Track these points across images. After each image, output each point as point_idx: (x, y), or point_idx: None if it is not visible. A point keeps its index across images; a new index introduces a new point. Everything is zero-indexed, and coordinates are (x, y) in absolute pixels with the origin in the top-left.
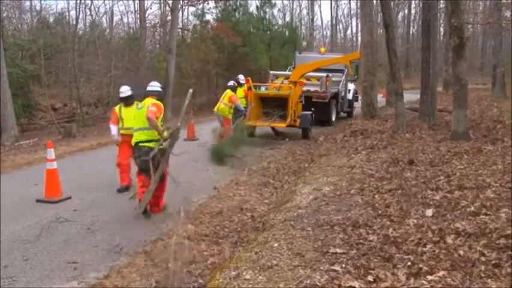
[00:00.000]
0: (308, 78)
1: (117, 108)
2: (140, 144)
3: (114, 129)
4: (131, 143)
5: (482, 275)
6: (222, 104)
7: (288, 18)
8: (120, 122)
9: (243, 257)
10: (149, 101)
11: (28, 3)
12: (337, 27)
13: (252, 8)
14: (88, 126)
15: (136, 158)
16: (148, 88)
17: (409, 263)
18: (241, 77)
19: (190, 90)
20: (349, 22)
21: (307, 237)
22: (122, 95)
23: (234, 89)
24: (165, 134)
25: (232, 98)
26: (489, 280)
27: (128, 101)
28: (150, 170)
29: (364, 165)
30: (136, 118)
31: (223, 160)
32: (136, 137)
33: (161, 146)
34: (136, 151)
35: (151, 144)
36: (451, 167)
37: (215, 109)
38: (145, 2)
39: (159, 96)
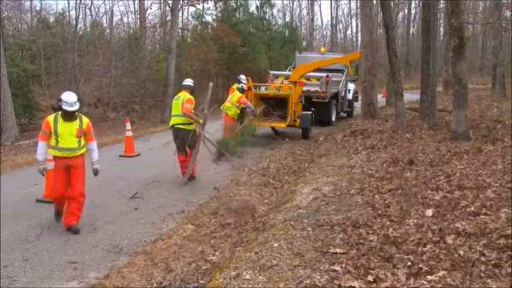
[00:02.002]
0: (308, 78)
1: (51, 119)
2: (176, 126)
3: (42, 149)
4: (67, 168)
5: (482, 275)
6: (228, 103)
7: (288, 18)
8: (53, 140)
9: (243, 257)
10: (184, 94)
11: (28, 3)
12: (337, 27)
13: (252, 8)
14: None
15: (175, 139)
16: (184, 83)
17: (409, 263)
18: (242, 77)
19: (211, 84)
20: (349, 22)
21: (307, 237)
22: (67, 108)
23: (243, 91)
24: (201, 121)
25: (241, 100)
26: (489, 280)
27: (71, 115)
28: (185, 148)
29: (364, 165)
30: (173, 107)
31: (223, 154)
32: (174, 120)
33: (192, 126)
34: (174, 132)
35: (185, 127)
36: (451, 167)
37: (221, 107)
38: (145, 2)
39: (191, 90)
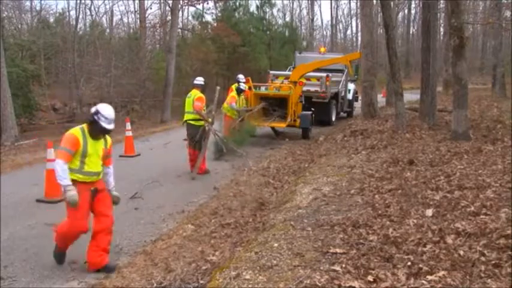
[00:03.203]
0: (308, 78)
1: (79, 135)
2: (188, 122)
3: (66, 172)
4: (92, 194)
5: (482, 275)
6: (226, 103)
7: (288, 18)
8: (77, 161)
9: (243, 257)
10: (195, 92)
11: (28, 3)
12: (337, 27)
13: (252, 8)
14: None
15: (188, 134)
16: (195, 82)
17: (409, 263)
18: (240, 77)
19: (218, 87)
20: (349, 22)
21: (307, 237)
22: (106, 125)
23: (240, 92)
24: (210, 119)
25: (229, 100)
26: (489, 280)
27: (104, 133)
28: (195, 145)
29: (364, 165)
30: (186, 104)
31: (223, 153)
32: (186, 116)
33: (201, 123)
34: (186, 127)
35: (195, 123)
36: (451, 167)
37: (221, 107)
38: (145, 2)
39: (202, 88)
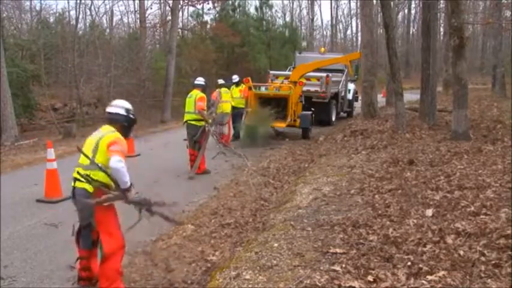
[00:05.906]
0: (308, 78)
1: None
2: (189, 122)
3: None
4: None
5: (482, 275)
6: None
7: (288, 18)
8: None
9: (243, 257)
10: (196, 92)
11: (28, 3)
12: (337, 27)
13: (252, 9)
14: (88, 126)
15: (188, 134)
16: (196, 82)
17: (409, 263)
18: (234, 77)
19: (220, 90)
20: (349, 22)
21: (307, 237)
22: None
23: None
24: (210, 121)
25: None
26: (489, 280)
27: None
28: (194, 144)
29: (364, 165)
30: (186, 104)
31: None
32: (187, 116)
33: (202, 123)
34: (187, 127)
35: (196, 123)
36: (451, 167)
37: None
38: (145, 2)
39: (202, 88)
